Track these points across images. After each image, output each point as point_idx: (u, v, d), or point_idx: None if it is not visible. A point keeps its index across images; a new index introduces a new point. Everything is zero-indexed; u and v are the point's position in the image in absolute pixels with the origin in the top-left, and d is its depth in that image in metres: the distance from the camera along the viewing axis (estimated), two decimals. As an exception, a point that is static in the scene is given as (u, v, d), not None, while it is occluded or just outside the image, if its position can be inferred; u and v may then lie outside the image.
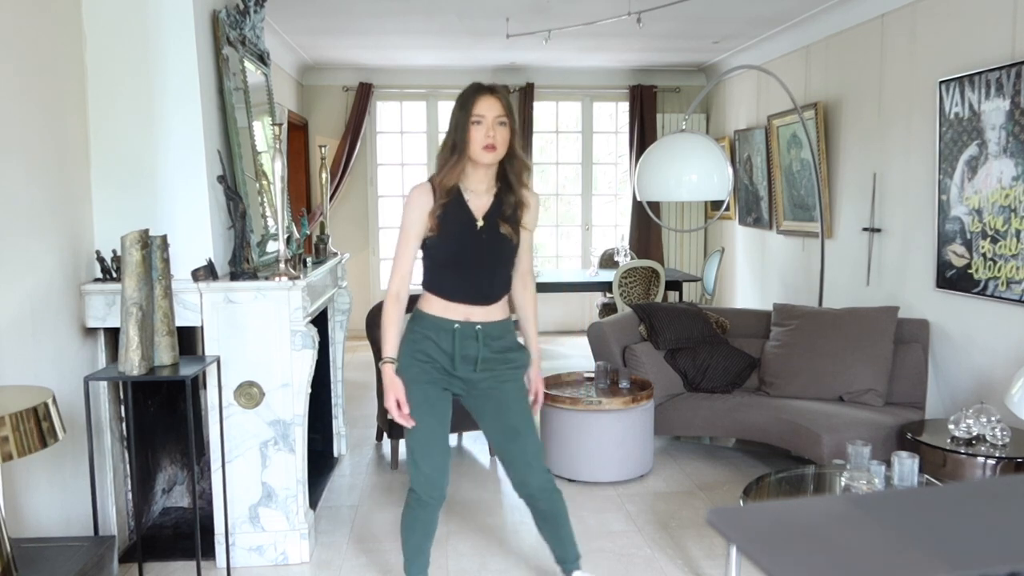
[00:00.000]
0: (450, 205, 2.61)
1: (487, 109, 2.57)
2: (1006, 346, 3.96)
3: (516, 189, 2.67)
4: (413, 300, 2.76)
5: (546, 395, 3.53)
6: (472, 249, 2.64)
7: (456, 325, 2.65)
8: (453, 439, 4.99)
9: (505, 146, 2.60)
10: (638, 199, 5.60)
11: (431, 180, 2.66)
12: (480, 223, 2.63)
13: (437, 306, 2.68)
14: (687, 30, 6.40)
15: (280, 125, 3.60)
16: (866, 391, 4.34)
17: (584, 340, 5.34)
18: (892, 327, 4.44)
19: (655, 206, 8.11)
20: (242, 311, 3.23)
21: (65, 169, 3.11)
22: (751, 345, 4.82)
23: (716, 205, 7.94)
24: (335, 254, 4.57)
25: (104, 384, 3.30)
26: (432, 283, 2.71)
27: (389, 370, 2.63)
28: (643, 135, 8.26)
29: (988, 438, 3.52)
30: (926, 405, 4.39)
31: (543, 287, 6.66)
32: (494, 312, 2.70)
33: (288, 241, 3.46)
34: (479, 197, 2.65)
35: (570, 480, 4.18)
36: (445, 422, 2.73)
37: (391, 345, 2.65)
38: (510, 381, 2.75)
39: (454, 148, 2.59)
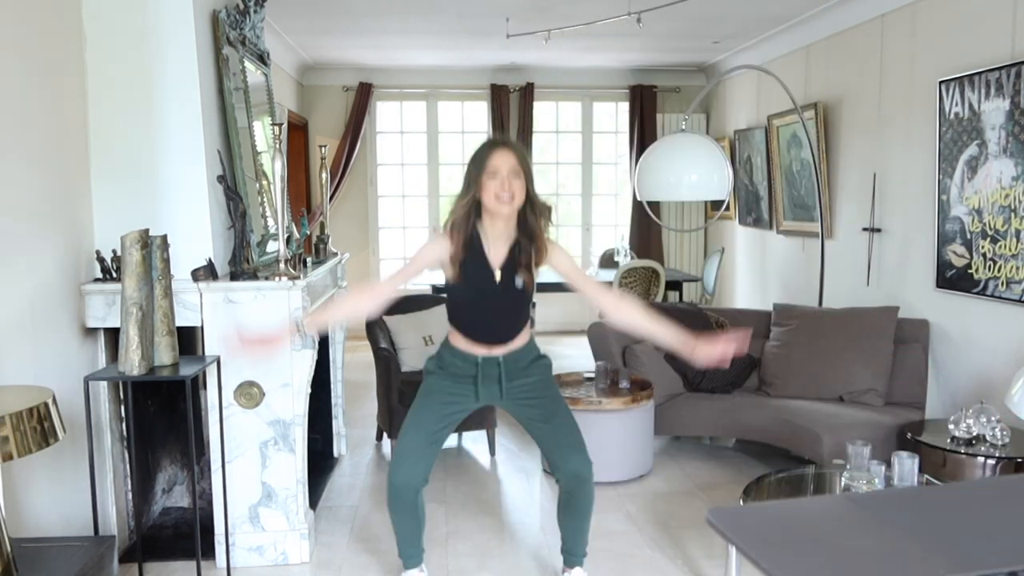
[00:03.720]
0: (469, 255, 2.72)
1: (502, 162, 2.65)
2: (1006, 346, 3.96)
3: (535, 238, 2.74)
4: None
5: None
6: (490, 299, 2.77)
7: (480, 359, 2.83)
8: (453, 439, 4.99)
9: (522, 195, 2.68)
10: (638, 199, 5.61)
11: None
12: (497, 274, 2.73)
13: (461, 342, 2.85)
14: (687, 30, 6.40)
15: (280, 125, 3.59)
16: (866, 391, 4.34)
17: (584, 340, 5.33)
18: (892, 327, 4.43)
19: (655, 206, 8.11)
20: (242, 311, 3.23)
21: (65, 169, 3.11)
22: (751, 345, 4.82)
23: (716, 205, 7.94)
24: (335, 254, 4.57)
25: (104, 384, 3.29)
26: (456, 320, 2.87)
27: (312, 320, 3.10)
28: (643, 135, 8.25)
29: (988, 438, 3.52)
30: (926, 405, 4.39)
31: (543, 287, 6.63)
32: (515, 343, 2.86)
33: (288, 241, 3.45)
34: (497, 246, 2.74)
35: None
36: (435, 437, 2.89)
37: (324, 309, 2.89)
38: (536, 377, 2.91)
39: (470, 201, 2.68)
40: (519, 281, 2.74)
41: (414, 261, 2.83)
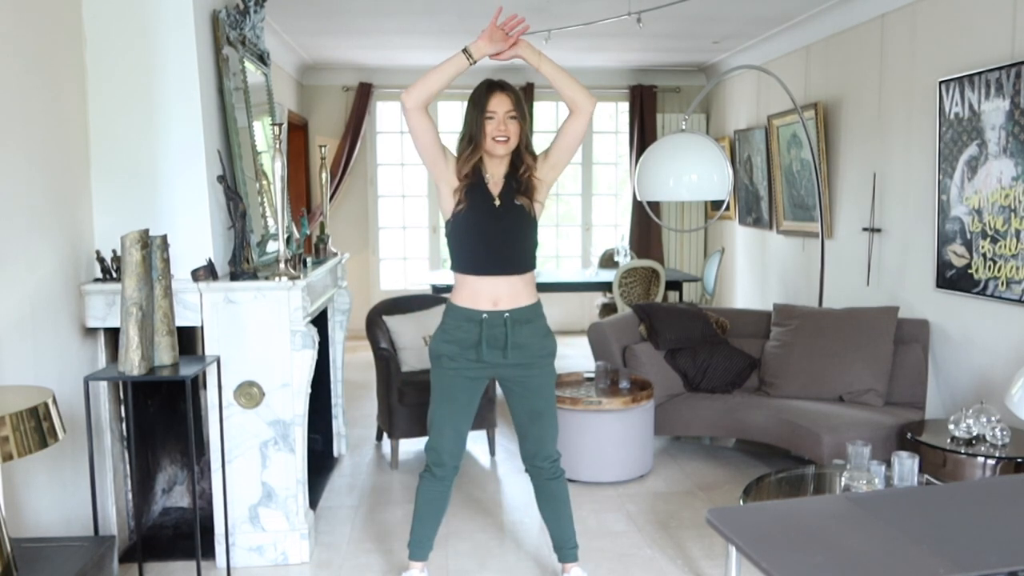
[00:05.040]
0: (472, 185, 2.87)
1: (498, 105, 2.85)
2: (1006, 346, 3.96)
3: (527, 175, 2.90)
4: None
5: None
6: (494, 221, 2.85)
7: (484, 315, 2.85)
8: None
9: (517, 138, 2.85)
10: (638, 199, 5.60)
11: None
12: (497, 201, 2.87)
13: (466, 294, 2.88)
14: (687, 30, 6.40)
15: (280, 125, 3.59)
16: (866, 391, 4.34)
17: (584, 340, 5.34)
18: (892, 327, 4.43)
19: (655, 206, 8.11)
20: (242, 311, 3.23)
21: (65, 169, 3.11)
22: (751, 345, 4.82)
23: (716, 205, 7.94)
24: (335, 254, 4.57)
25: (104, 384, 3.30)
26: (461, 262, 2.91)
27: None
28: (643, 135, 8.25)
29: (988, 438, 3.52)
30: (926, 405, 4.39)
31: (543, 287, 6.63)
32: (521, 295, 2.89)
33: (288, 241, 3.45)
34: (496, 182, 2.90)
35: (570, 480, 4.16)
36: (465, 407, 2.97)
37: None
38: (538, 367, 2.95)
39: (470, 141, 2.86)
40: (519, 200, 2.86)
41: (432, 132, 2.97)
